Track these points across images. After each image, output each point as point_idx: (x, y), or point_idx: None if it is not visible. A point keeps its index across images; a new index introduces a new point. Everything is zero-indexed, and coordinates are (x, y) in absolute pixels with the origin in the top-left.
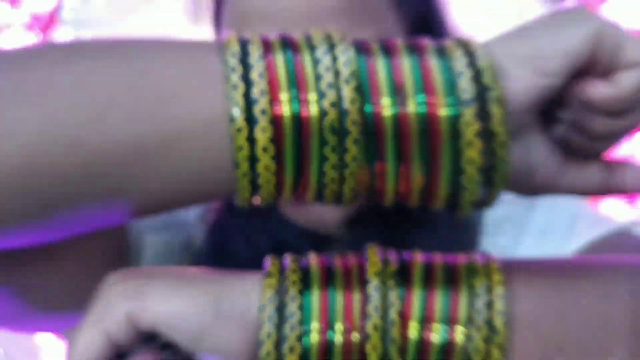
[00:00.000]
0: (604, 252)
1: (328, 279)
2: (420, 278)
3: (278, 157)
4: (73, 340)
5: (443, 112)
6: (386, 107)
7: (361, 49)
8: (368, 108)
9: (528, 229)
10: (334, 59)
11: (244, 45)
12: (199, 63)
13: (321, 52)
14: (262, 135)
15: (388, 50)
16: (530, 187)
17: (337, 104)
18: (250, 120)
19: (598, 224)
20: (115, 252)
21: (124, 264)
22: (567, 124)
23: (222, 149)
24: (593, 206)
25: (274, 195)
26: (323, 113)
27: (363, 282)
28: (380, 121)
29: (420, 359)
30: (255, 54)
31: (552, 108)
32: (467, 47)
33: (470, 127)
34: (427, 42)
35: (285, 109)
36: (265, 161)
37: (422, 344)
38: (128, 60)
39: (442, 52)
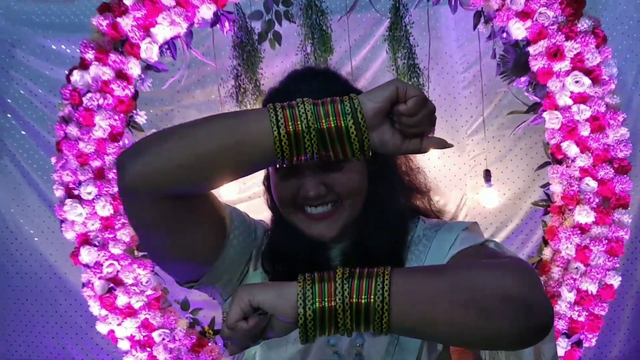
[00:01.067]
0: (467, 258)
1: (322, 281)
2: (358, 276)
3: (289, 145)
4: (228, 311)
5: (347, 121)
6: (329, 122)
7: (317, 105)
8: (319, 126)
9: (432, 242)
10: (306, 108)
11: (274, 107)
12: (255, 114)
13: (302, 107)
14: (284, 139)
15: (325, 104)
16: (388, 150)
17: (307, 124)
18: (279, 134)
19: (469, 241)
20: (220, 225)
21: (223, 235)
22: (397, 122)
23: (266, 144)
24: (473, 229)
25: (290, 161)
26: (304, 129)
27: (335, 280)
28: (323, 129)
29: (357, 315)
30: (278, 108)
31: (391, 116)
32: (351, 98)
33: (351, 123)
34: (338, 100)
35: (290, 129)
36: (284, 145)
37: (358, 305)
38: (218, 119)
39: (343, 100)
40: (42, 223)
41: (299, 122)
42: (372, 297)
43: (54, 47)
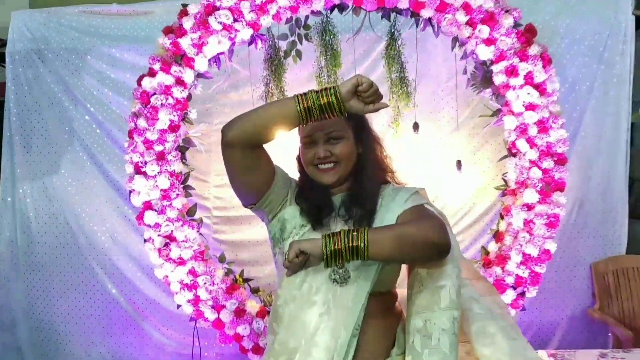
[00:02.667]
0: (410, 213)
1: (334, 236)
2: (352, 233)
3: (305, 113)
4: (288, 253)
5: (332, 98)
6: (323, 100)
7: (318, 92)
8: (319, 101)
9: (393, 206)
10: (312, 94)
11: (296, 95)
12: (287, 99)
13: (310, 94)
14: (302, 110)
15: (321, 91)
16: (356, 111)
17: (316, 103)
18: (300, 107)
19: (414, 201)
20: (271, 171)
21: (272, 177)
22: (360, 96)
23: (292, 114)
24: (420, 193)
25: (306, 122)
26: (314, 104)
27: (341, 236)
28: (321, 103)
29: (352, 252)
30: (298, 96)
31: (358, 94)
32: (334, 87)
33: (333, 99)
34: (331, 91)
35: (307, 105)
36: (301, 116)
37: (352, 247)
38: (267, 106)
39: (330, 88)
40: (105, 198)
41: (310, 101)
42: (360, 243)
43: (117, 55)
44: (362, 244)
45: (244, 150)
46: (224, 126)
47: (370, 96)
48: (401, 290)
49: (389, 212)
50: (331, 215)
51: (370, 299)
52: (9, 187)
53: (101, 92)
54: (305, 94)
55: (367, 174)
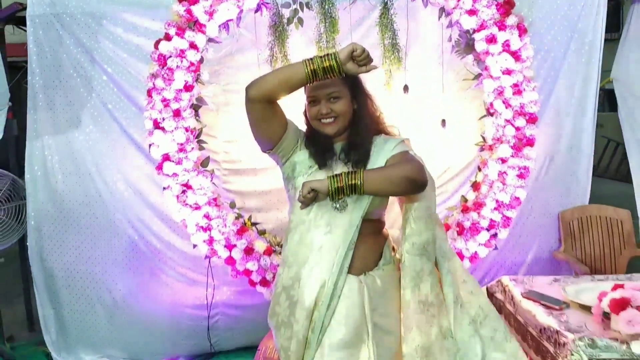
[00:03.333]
0: (397, 157)
1: (337, 176)
2: (351, 174)
3: (311, 74)
4: (302, 190)
5: (333, 62)
6: (326, 63)
7: (321, 57)
8: (323, 64)
9: (383, 152)
10: (317, 59)
11: (304, 60)
12: (297, 63)
13: (316, 58)
14: (309, 72)
15: (324, 56)
16: (353, 72)
17: (320, 66)
18: (307, 69)
19: (399, 149)
20: (284, 122)
21: (285, 127)
22: (355, 60)
23: (301, 76)
24: (405, 143)
25: (313, 81)
26: (318, 66)
27: (342, 176)
28: (325, 66)
29: (350, 189)
30: (306, 60)
31: (353, 58)
32: (334, 53)
33: (334, 62)
34: (332, 55)
35: (313, 67)
36: (308, 77)
37: (351, 185)
38: (281, 69)
39: (332, 53)
40: (123, 151)
41: (315, 64)
42: (357, 181)
43: (132, 19)
44: (359, 182)
45: (263, 105)
46: (247, 85)
47: (363, 60)
48: (392, 231)
49: (379, 157)
50: (333, 159)
51: (363, 223)
52: (35, 141)
53: (117, 54)
54: (311, 58)
55: (362, 126)
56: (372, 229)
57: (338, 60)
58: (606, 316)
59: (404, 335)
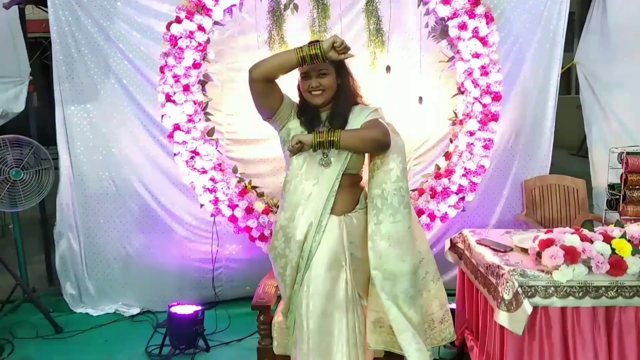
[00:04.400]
0: (369, 123)
1: (320, 133)
2: (331, 131)
3: (302, 60)
4: (292, 142)
5: (318, 51)
6: (313, 51)
7: (309, 46)
8: (310, 52)
9: (359, 119)
10: (306, 48)
11: (295, 48)
12: (290, 51)
13: (304, 47)
14: (300, 58)
15: (311, 46)
16: (334, 59)
17: (308, 53)
18: (298, 56)
19: (373, 116)
20: (280, 96)
21: (280, 100)
22: (335, 49)
23: (293, 61)
24: (378, 111)
25: (302, 65)
26: (307, 54)
27: (324, 133)
28: (312, 54)
29: (329, 144)
30: (297, 49)
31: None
32: (319, 43)
33: (319, 50)
34: (318, 45)
35: (303, 54)
36: (299, 62)
37: (331, 141)
38: (277, 55)
39: (316, 43)
40: (137, 122)
41: (304, 52)
42: (335, 138)
43: (143, 2)
44: (336, 139)
45: (263, 83)
46: (250, 68)
47: (342, 49)
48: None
49: (356, 123)
50: (319, 125)
51: (343, 176)
52: (61, 111)
53: (130, 34)
54: (301, 47)
55: (343, 98)
56: (350, 181)
57: (322, 50)
58: (539, 255)
59: (371, 260)
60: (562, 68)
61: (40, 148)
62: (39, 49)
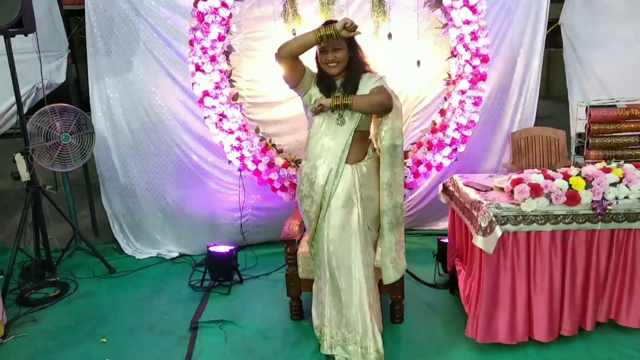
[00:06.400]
0: (376, 89)
1: (336, 97)
2: (345, 96)
3: (319, 39)
4: (313, 104)
5: (332, 31)
6: (328, 32)
7: (325, 27)
8: (326, 32)
9: (367, 85)
10: (322, 29)
11: (314, 30)
12: (309, 32)
13: (321, 28)
14: (318, 37)
15: (327, 27)
16: (346, 36)
17: (324, 33)
18: (316, 36)
19: (379, 83)
20: (303, 68)
21: (303, 71)
22: (346, 29)
23: (313, 40)
24: (383, 79)
25: (320, 43)
26: (323, 34)
27: (339, 97)
28: (328, 33)
29: (344, 106)
30: (315, 30)
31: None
32: (333, 24)
33: (333, 30)
34: (332, 27)
35: (321, 34)
36: (318, 41)
37: (345, 104)
38: (300, 36)
39: (331, 25)
40: (169, 89)
41: (322, 32)
42: (348, 101)
43: None
44: (350, 102)
45: (289, 60)
46: (278, 48)
47: (352, 28)
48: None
49: (365, 88)
50: (335, 91)
51: (355, 132)
52: (97, 83)
53: (158, 9)
54: (318, 28)
55: (354, 68)
56: (360, 136)
57: (335, 30)
58: (512, 192)
59: (381, 199)
60: (548, 29)
61: (84, 114)
62: (75, 22)
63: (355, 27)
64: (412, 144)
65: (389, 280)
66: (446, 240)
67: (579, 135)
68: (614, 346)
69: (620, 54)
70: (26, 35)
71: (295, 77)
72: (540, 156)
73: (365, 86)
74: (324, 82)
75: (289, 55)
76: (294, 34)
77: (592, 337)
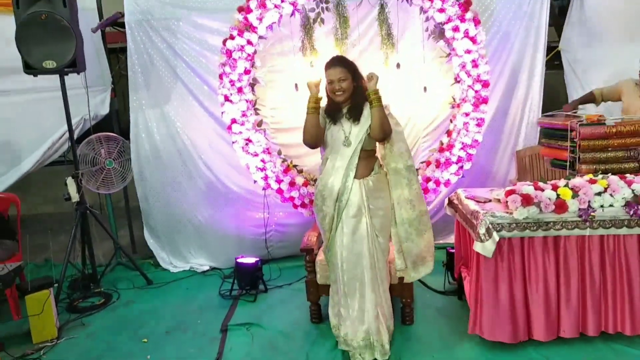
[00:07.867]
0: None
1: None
2: (379, 98)
3: (312, 110)
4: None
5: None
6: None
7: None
8: (309, 105)
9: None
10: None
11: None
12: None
13: (308, 103)
14: (309, 109)
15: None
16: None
17: (311, 105)
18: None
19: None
20: (322, 129)
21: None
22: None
23: (309, 116)
24: (387, 107)
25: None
26: (309, 105)
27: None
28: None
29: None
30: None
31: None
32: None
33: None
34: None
35: (307, 107)
36: (311, 111)
37: (377, 98)
38: (305, 122)
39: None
40: (202, 118)
41: (309, 105)
42: (377, 102)
43: (200, 21)
44: (377, 103)
45: (317, 140)
46: (303, 139)
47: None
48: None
49: (370, 114)
50: (341, 117)
51: (361, 152)
52: (138, 114)
53: (191, 47)
54: (307, 103)
55: (358, 97)
56: (366, 155)
57: (310, 105)
58: (507, 203)
59: (404, 211)
60: (548, 55)
61: (125, 142)
62: (115, 58)
63: (376, 76)
64: (422, 162)
65: (412, 279)
66: (453, 250)
67: (572, 151)
68: (613, 346)
69: (617, 74)
70: (78, 73)
71: (322, 135)
72: (544, 172)
73: (370, 114)
74: (332, 109)
75: (314, 139)
76: (312, 65)
77: (592, 338)
